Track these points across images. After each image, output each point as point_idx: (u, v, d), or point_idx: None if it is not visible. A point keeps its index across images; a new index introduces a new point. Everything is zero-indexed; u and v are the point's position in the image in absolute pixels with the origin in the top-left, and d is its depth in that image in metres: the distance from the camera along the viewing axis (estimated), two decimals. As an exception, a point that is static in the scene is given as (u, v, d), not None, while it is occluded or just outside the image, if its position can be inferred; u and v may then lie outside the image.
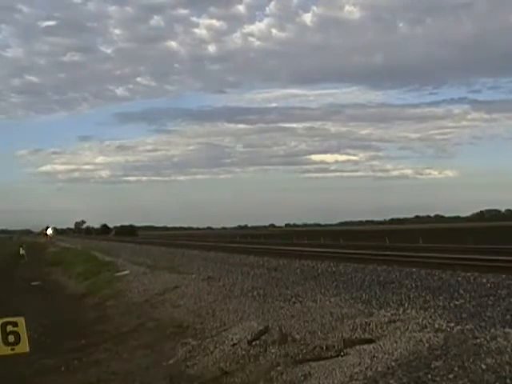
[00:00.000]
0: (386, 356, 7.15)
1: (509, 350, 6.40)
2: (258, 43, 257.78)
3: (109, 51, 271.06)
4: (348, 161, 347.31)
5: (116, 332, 13.79)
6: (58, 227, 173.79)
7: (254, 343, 9.55)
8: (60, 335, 14.03)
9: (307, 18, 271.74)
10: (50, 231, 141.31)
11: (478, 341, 6.90)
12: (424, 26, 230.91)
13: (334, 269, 17.31)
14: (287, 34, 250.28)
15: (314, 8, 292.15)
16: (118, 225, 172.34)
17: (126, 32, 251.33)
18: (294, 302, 11.75)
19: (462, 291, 10.76)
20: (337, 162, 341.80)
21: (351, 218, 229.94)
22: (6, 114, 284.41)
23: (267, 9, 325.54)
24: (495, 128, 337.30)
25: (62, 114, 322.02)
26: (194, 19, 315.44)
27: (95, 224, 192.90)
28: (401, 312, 9.38)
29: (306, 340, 8.97)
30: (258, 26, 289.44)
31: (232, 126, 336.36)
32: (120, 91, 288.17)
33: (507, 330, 7.20)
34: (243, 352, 9.42)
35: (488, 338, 6.96)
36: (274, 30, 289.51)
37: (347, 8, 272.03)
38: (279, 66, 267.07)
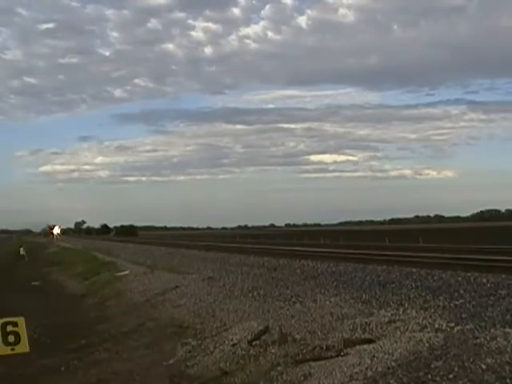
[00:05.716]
0: (386, 356, 7.14)
1: (509, 349, 6.40)
2: (254, 45, 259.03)
3: (107, 53, 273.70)
4: (347, 161, 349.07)
5: (116, 332, 13.77)
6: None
7: (254, 343, 9.54)
8: (60, 335, 14.00)
9: (302, 20, 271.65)
10: (57, 230, 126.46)
11: (478, 341, 6.90)
12: (419, 28, 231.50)
13: (333, 269, 17.31)
14: (283, 37, 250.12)
15: (309, 11, 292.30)
16: (118, 225, 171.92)
17: (124, 35, 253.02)
18: (294, 302, 11.74)
19: (462, 291, 10.76)
20: (335, 162, 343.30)
21: (351, 218, 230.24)
22: (5, 114, 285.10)
23: (262, 12, 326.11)
24: (492, 128, 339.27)
25: (61, 114, 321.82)
26: (191, 22, 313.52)
27: (95, 224, 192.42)
28: (401, 312, 9.38)
29: (306, 340, 8.96)
30: (253, 29, 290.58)
31: (230, 126, 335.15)
32: (118, 93, 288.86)
33: (507, 329, 7.20)
34: (243, 352, 9.41)
35: (488, 338, 6.96)
36: (269, 33, 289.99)
37: (341, 11, 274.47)
38: (276, 68, 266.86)
